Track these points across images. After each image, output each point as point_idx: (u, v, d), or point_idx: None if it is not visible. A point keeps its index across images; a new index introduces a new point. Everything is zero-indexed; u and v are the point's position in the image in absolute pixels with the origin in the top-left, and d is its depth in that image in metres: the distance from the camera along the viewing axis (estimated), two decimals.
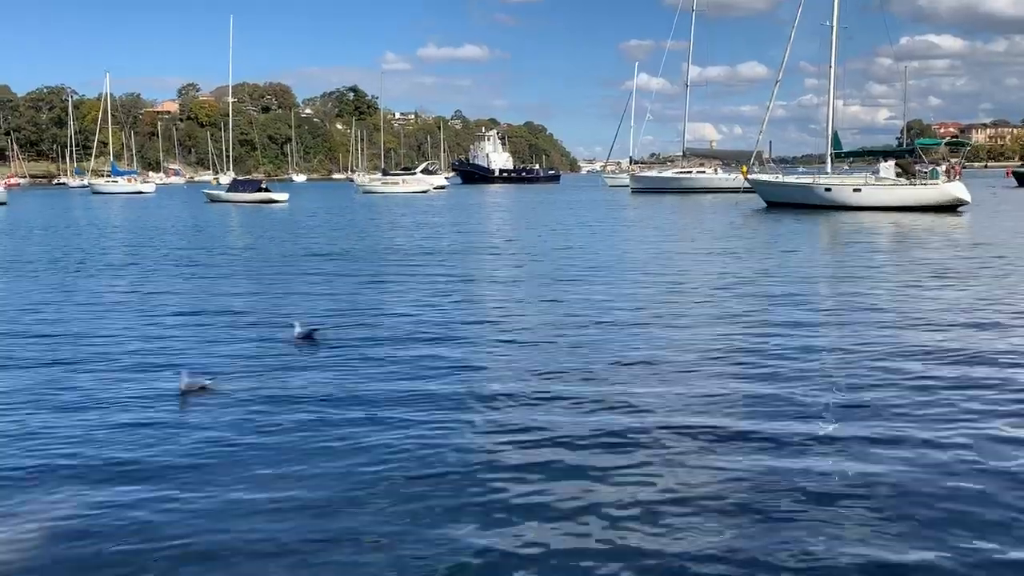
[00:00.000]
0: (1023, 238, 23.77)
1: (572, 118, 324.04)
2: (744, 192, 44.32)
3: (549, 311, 12.36)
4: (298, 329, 10.21)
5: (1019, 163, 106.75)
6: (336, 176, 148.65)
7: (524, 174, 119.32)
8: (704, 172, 68.72)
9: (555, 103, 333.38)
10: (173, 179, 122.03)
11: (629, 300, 13.23)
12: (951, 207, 35.52)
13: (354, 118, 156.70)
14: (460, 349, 9.79)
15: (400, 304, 13.07)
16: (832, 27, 41.78)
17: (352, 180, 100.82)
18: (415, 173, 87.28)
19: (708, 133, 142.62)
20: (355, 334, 10.63)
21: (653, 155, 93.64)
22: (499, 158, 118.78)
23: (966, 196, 35.77)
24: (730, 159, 64.66)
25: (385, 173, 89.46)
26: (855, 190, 38.22)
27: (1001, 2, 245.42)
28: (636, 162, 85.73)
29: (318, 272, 17.53)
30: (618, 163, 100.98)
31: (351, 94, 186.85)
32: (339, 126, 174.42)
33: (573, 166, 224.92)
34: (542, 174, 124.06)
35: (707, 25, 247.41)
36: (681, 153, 72.55)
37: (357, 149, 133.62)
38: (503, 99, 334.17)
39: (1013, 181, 72.19)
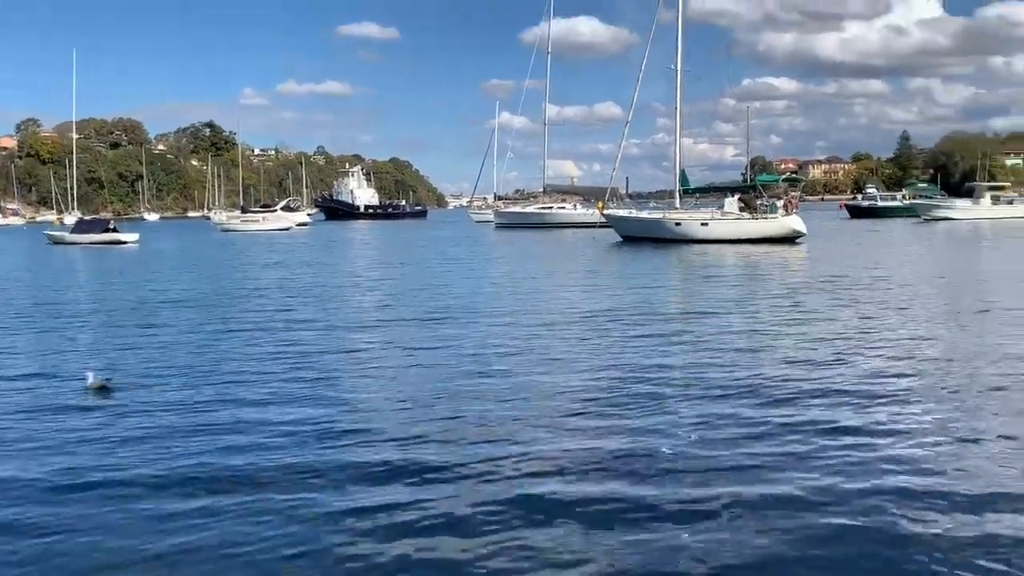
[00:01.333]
0: (853, 265, 25.67)
1: (438, 154, 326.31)
2: (601, 227, 45.78)
3: (416, 354, 11.97)
4: (90, 379, 9.59)
5: (850, 196, 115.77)
6: (192, 214, 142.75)
7: (390, 210, 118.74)
8: (564, 207, 70.57)
9: (421, 139, 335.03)
10: (12, 220, 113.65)
11: (496, 339, 13.06)
12: (790, 238, 38.07)
13: (211, 154, 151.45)
14: (296, 408, 8.77)
15: (241, 353, 12.48)
16: (677, 71, 44.20)
17: (209, 218, 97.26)
18: (275, 210, 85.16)
19: (569, 169, 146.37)
20: (168, 386, 9.84)
21: (518, 191, 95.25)
22: (364, 194, 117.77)
23: (802, 228, 38.47)
24: (589, 195, 66.69)
25: (244, 210, 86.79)
26: (703, 224, 40.25)
27: (830, 48, 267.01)
28: (500, 198, 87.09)
29: (154, 319, 16.57)
30: (484, 198, 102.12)
31: (207, 129, 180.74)
32: (195, 162, 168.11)
33: (440, 201, 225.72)
34: (409, 209, 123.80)
35: (564, 66, 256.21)
36: (542, 189, 74.42)
37: (214, 186, 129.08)
38: (368, 135, 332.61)
39: (846, 213, 78.09)
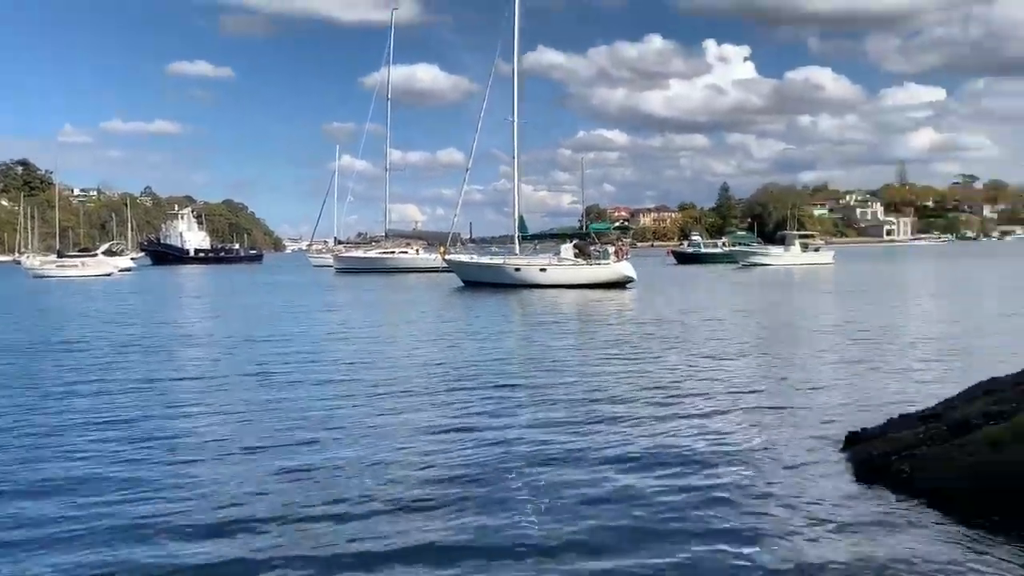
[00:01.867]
0: (676, 309, 27.13)
1: (276, 196, 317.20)
2: (444, 272, 46.04)
3: (236, 419, 11.12)
4: None
5: (677, 243, 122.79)
6: (1, 258, 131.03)
7: (223, 254, 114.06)
8: (407, 252, 70.46)
9: (258, 181, 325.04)
10: None
11: (328, 399, 12.42)
12: (621, 283, 39.86)
13: (23, 194, 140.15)
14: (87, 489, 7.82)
15: (42, 414, 11.53)
16: (514, 122, 45.56)
17: (20, 263, 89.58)
18: (96, 254, 79.64)
19: (413, 213, 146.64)
20: None
21: (360, 234, 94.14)
22: (194, 237, 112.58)
23: (632, 274, 40.45)
24: (432, 239, 67.04)
25: (60, 255, 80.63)
26: (541, 269, 41.42)
27: (656, 104, 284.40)
28: (341, 242, 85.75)
29: None
30: (324, 242, 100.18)
31: (20, 168, 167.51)
32: (4, 203, 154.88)
33: (278, 245, 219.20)
34: (243, 253, 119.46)
35: (406, 111, 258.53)
36: (384, 233, 74.03)
37: (27, 228, 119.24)
38: (201, 176, 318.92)
39: (673, 259, 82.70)
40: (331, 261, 74.86)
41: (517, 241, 45.90)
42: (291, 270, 78.62)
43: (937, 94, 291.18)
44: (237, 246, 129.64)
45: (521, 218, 46.34)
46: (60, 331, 23.45)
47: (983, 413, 7.73)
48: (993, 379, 9.06)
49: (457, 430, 9.97)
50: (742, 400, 11.59)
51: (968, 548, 5.99)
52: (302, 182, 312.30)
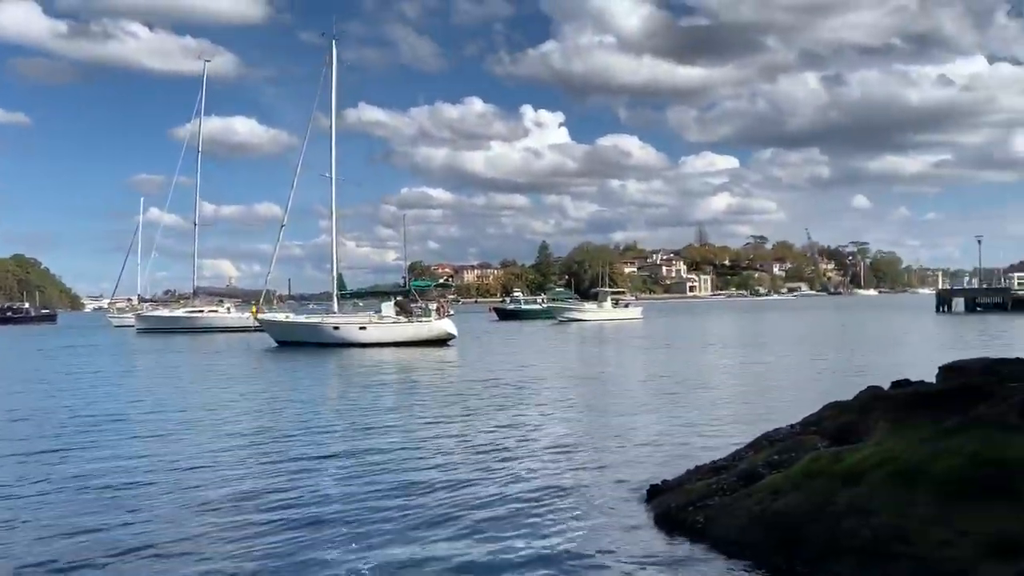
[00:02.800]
0: (492, 365, 27.41)
1: (76, 251, 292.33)
2: (257, 331, 44.12)
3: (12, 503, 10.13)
4: None
5: (500, 299, 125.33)
6: None
7: (9, 314, 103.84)
8: (217, 311, 67.05)
9: (54, 234, 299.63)
10: None
11: (122, 475, 11.23)
12: (443, 341, 39.89)
13: None
14: None
15: None
16: (331, 178, 44.96)
17: None
18: None
19: (227, 270, 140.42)
20: None
21: (167, 291, 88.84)
22: None
23: (453, 331, 40.63)
24: (247, 297, 64.29)
25: None
26: (361, 328, 40.66)
27: (478, 164, 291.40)
28: (145, 300, 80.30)
29: None
30: (128, 300, 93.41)
31: None
32: None
33: (75, 304, 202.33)
34: (33, 313, 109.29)
35: (222, 164, 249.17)
36: (193, 291, 70.11)
37: None
38: None
39: (495, 315, 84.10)
40: (133, 321, 69.85)
41: (336, 299, 44.92)
42: (88, 331, 72.36)
43: (731, 162, 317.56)
44: (26, 305, 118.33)
45: (340, 275, 45.52)
46: None
47: (767, 462, 8.26)
48: (776, 429, 9.75)
49: (266, 509, 9.24)
50: (554, 456, 11.79)
51: None
52: (104, 237, 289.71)
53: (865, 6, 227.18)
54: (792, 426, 9.57)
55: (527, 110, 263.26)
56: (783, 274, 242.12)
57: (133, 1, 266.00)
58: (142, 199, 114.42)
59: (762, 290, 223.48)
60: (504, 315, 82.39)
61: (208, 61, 75.23)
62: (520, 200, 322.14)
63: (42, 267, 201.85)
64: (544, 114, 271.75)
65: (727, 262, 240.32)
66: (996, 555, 5.66)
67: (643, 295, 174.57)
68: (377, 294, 46.88)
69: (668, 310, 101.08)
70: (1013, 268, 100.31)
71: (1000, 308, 64.73)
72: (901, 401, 7.84)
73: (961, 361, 9.17)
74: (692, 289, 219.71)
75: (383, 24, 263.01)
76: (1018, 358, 9.32)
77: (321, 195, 46.04)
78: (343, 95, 46.95)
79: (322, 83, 45.55)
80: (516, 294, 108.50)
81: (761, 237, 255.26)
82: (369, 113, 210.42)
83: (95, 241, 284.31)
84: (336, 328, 40.78)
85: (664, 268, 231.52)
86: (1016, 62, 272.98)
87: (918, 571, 5.82)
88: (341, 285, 45.25)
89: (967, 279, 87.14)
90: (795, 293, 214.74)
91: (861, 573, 6.11)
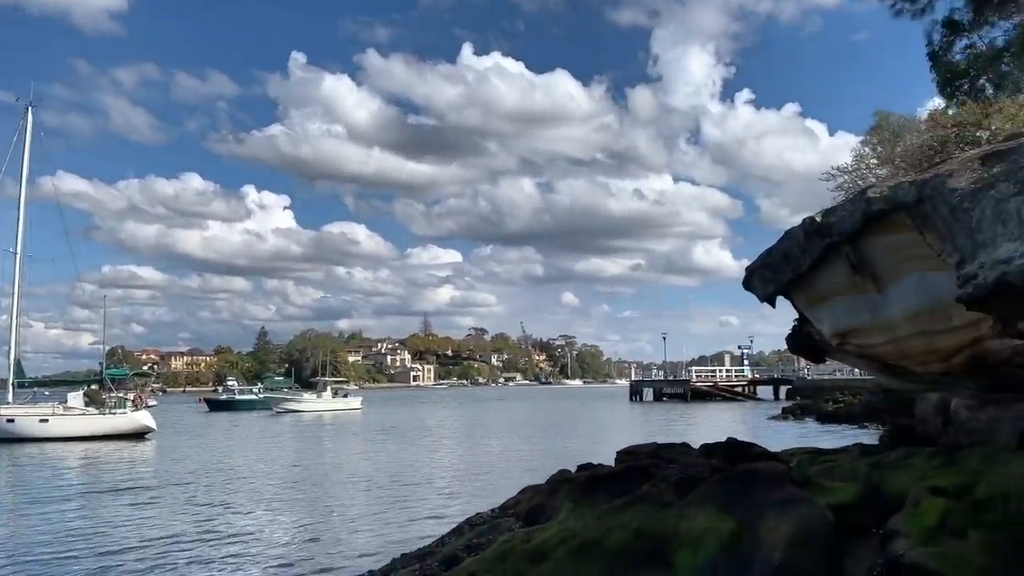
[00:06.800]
0: (196, 461, 25.63)
1: None
2: None
3: None
4: None
5: (212, 388, 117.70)
6: None
7: None
8: None
9: None
10: None
11: None
12: (139, 434, 36.65)
13: None
14: None
15: None
16: (16, 253, 40.19)
17: None
18: None
19: None
20: None
21: None
22: None
23: (152, 423, 37.58)
24: None
25: None
26: (42, 420, 36.17)
27: (194, 244, 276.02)
28: None
29: None
30: None
31: None
32: None
33: None
34: None
35: None
36: None
37: None
38: None
39: (205, 406, 78.61)
40: None
41: (11, 387, 39.55)
42: None
43: (455, 256, 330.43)
44: None
45: (18, 361, 40.26)
46: None
47: (467, 546, 8.65)
48: (478, 513, 10.24)
49: None
50: (259, 551, 11.34)
51: None
52: None
53: (575, 122, 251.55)
54: (492, 510, 10.11)
55: (250, 190, 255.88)
56: (501, 364, 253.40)
57: None
58: None
59: (481, 379, 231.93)
60: (216, 406, 77.23)
61: None
62: (239, 283, 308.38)
63: None
64: (269, 196, 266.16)
65: (449, 352, 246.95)
66: None
67: (368, 384, 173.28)
68: (65, 383, 42.14)
69: (391, 399, 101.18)
70: (693, 362, 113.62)
71: (681, 398, 72.69)
72: (582, 483, 8.66)
73: (634, 446, 10.36)
74: (416, 378, 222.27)
75: (94, 91, 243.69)
76: (681, 443, 10.73)
77: (3, 271, 40.67)
78: (38, 161, 42.68)
79: (12, 148, 41.12)
80: (231, 383, 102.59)
81: (481, 329, 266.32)
82: (70, 183, 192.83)
83: None
84: (11, 421, 35.83)
85: (389, 357, 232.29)
86: (694, 182, 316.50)
87: None
88: (19, 372, 40.05)
89: (655, 372, 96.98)
90: (511, 383, 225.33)
91: None
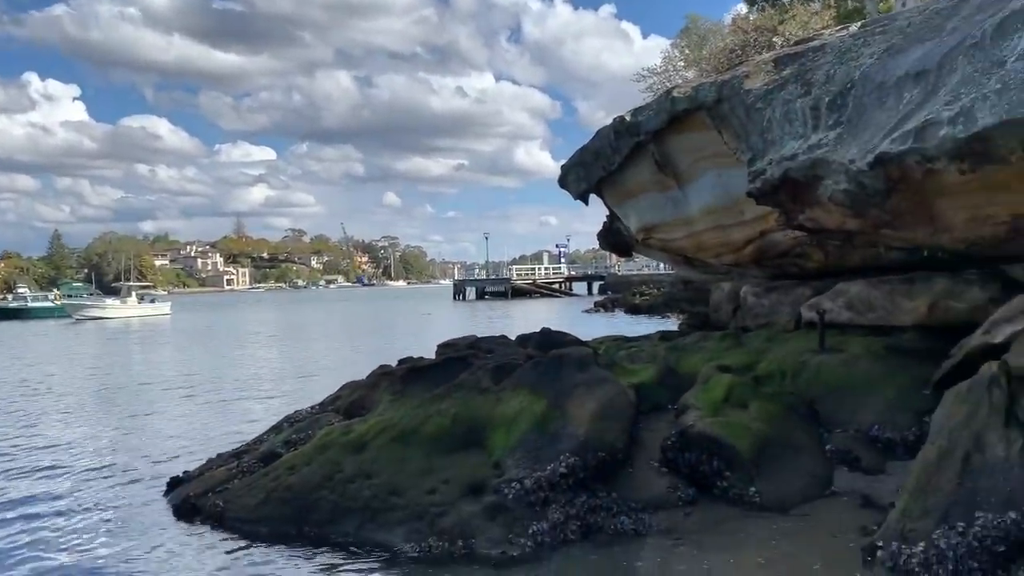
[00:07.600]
0: None
1: None
2: None
3: None
4: None
5: (0, 296, 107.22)
6: None
7: None
8: None
9: None
10: None
11: None
12: None
13: None
14: None
15: None
16: None
17: None
18: None
19: None
20: None
21: None
22: None
23: None
24: None
25: None
26: None
27: None
28: None
29: None
30: None
31: None
32: None
33: None
34: None
35: None
36: None
37: None
38: None
39: None
40: None
41: None
42: None
43: (268, 154, 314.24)
44: None
45: None
46: None
47: (286, 442, 8.65)
48: (297, 411, 10.21)
49: None
50: (71, 462, 10.83)
51: (254, 566, 6.59)
52: None
53: (394, 13, 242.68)
54: (312, 407, 10.11)
55: (32, 78, 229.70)
56: (321, 267, 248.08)
57: None
58: None
59: (301, 283, 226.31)
60: (5, 315, 70.83)
61: None
62: (25, 182, 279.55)
63: None
64: (55, 85, 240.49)
65: (266, 255, 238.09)
66: (470, 494, 6.78)
67: (177, 289, 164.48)
68: None
69: (204, 304, 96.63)
70: (514, 261, 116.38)
71: (503, 296, 74.71)
72: (402, 375, 8.83)
73: (454, 339, 10.62)
74: (230, 282, 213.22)
75: None
76: (499, 336, 11.12)
77: None
78: None
79: None
80: (21, 290, 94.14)
81: (300, 230, 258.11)
82: None
83: None
84: None
85: (200, 261, 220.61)
86: (515, 82, 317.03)
87: (410, 517, 6.69)
88: None
89: (478, 271, 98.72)
90: (333, 285, 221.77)
91: (363, 527, 6.80)
